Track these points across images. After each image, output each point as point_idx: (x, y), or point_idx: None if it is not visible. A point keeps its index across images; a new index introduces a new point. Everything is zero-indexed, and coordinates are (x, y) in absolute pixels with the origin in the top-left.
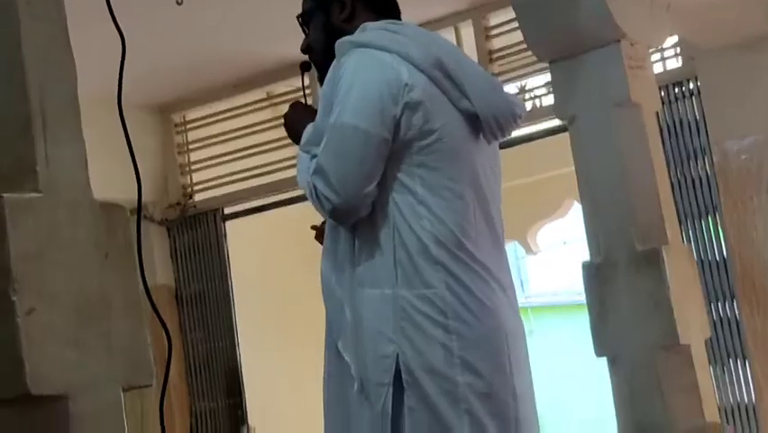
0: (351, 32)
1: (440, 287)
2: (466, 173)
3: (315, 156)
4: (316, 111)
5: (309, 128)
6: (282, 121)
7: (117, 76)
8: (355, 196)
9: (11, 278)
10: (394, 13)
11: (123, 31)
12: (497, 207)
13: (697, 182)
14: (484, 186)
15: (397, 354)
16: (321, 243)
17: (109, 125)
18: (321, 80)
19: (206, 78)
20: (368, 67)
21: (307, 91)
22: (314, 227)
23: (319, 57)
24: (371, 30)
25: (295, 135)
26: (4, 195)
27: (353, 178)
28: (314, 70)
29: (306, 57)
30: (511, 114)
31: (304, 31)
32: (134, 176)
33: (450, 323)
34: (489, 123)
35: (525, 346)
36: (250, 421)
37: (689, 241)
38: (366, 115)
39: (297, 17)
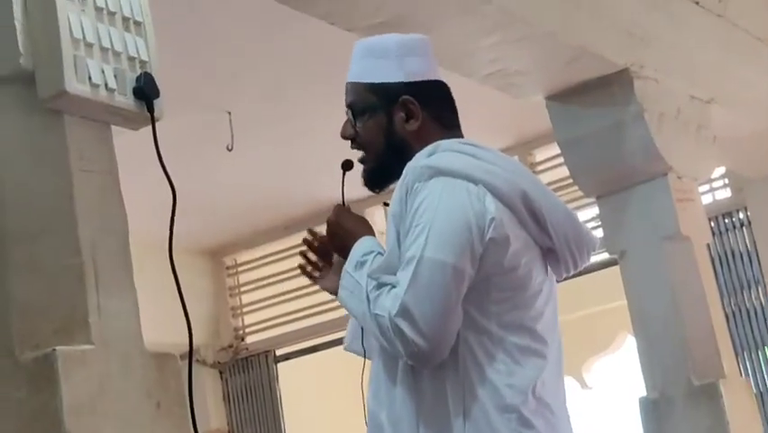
0: (416, 144)
1: None
2: (539, 309)
3: (383, 284)
4: (365, 220)
5: (369, 247)
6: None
7: (169, 222)
8: (444, 340)
9: (64, 430)
10: (458, 127)
11: (174, 177)
12: (560, 340)
13: (752, 313)
14: (552, 320)
15: None
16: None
17: (162, 269)
18: (368, 183)
19: (257, 221)
20: (453, 197)
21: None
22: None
23: (373, 160)
24: (449, 152)
25: (342, 247)
26: (57, 348)
27: (443, 320)
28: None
29: (343, 150)
30: (587, 249)
31: (350, 118)
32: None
33: None
34: (566, 259)
35: None
36: None
37: (746, 373)
38: (454, 250)
39: (347, 106)
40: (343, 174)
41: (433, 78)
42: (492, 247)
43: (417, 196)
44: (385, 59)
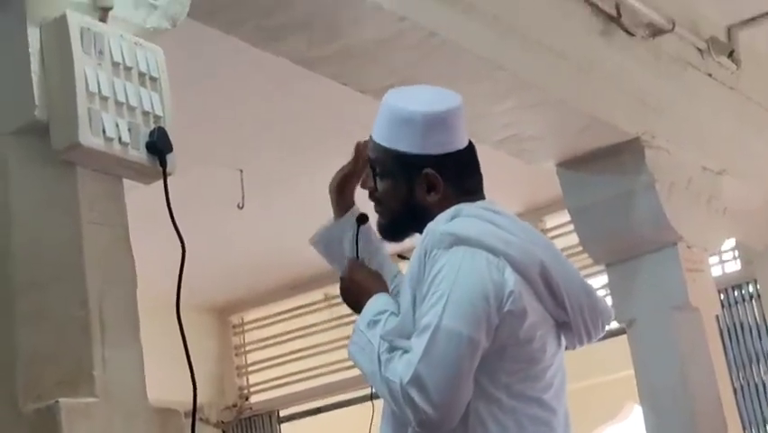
0: (435, 211)
1: None
2: (549, 381)
3: (395, 348)
4: (379, 275)
5: (383, 306)
6: (340, 290)
7: (177, 278)
8: (454, 410)
9: None
10: (481, 190)
11: (184, 233)
12: (567, 409)
13: (760, 388)
14: (560, 389)
15: None
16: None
17: (169, 326)
18: (382, 234)
19: (265, 280)
20: (473, 267)
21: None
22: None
23: (389, 216)
24: (469, 219)
25: (355, 302)
26: (60, 399)
27: (455, 390)
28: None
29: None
30: (601, 320)
31: (372, 172)
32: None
33: None
34: (580, 331)
35: None
36: None
37: None
38: (470, 321)
39: (370, 162)
40: (358, 228)
41: (458, 147)
42: (509, 319)
43: (437, 263)
44: (410, 129)
